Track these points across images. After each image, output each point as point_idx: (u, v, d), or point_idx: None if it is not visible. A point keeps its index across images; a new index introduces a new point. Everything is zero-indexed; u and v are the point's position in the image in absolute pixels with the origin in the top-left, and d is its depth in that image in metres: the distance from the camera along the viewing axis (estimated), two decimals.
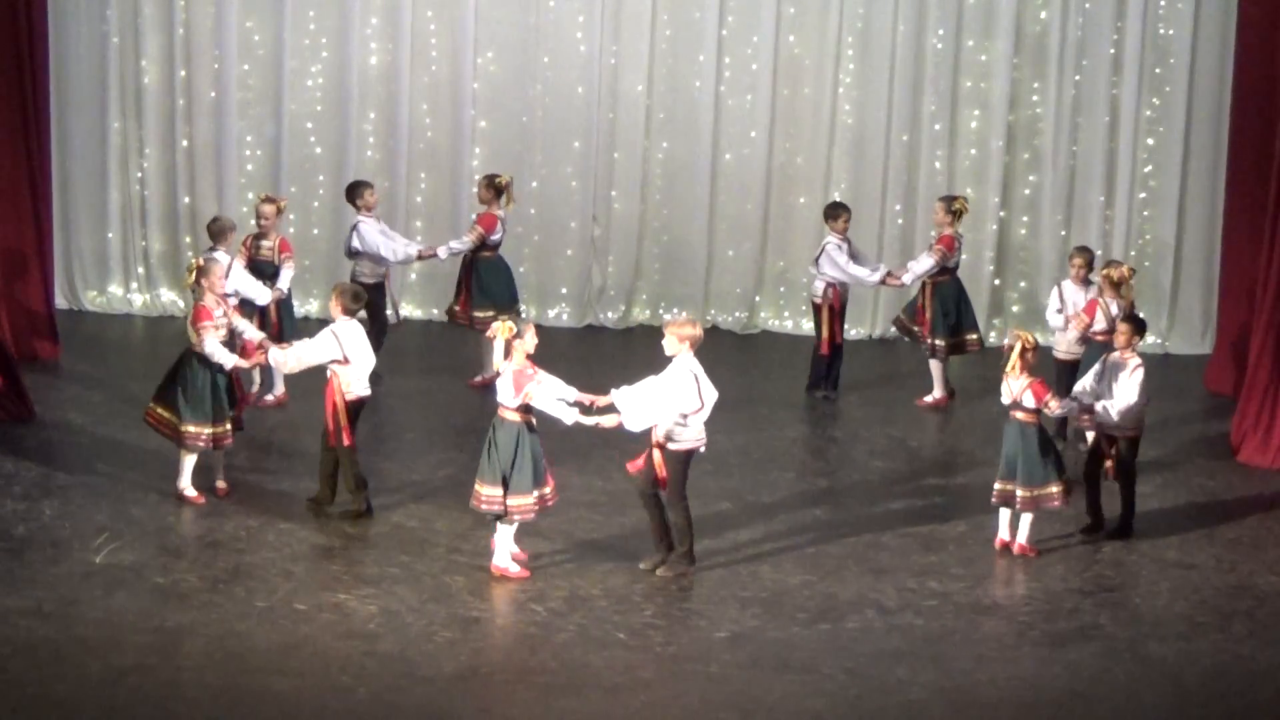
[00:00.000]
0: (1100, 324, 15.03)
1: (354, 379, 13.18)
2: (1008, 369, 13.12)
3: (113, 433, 14.99)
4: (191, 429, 13.28)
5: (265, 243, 16.03)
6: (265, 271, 15.76)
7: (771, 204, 19.90)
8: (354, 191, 16.92)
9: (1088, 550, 13.29)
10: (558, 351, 18.88)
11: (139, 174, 19.44)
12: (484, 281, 16.98)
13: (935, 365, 16.99)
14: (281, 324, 15.66)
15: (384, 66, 19.50)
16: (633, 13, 19.54)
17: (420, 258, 17.17)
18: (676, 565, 12.44)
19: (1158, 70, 19.54)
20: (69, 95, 19.04)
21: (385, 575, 12.23)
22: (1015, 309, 19.93)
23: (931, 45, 19.58)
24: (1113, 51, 19.51)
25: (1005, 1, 19.38)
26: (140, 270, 19.47)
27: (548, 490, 12.36)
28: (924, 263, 16.85)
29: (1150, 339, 19.70)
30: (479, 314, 16.94)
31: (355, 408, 13.26)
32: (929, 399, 17.01)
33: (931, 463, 15.40)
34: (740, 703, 10.62)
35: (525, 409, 12.26)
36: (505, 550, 12.30)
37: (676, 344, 12.31)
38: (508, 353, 12.23)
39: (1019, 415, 13.13)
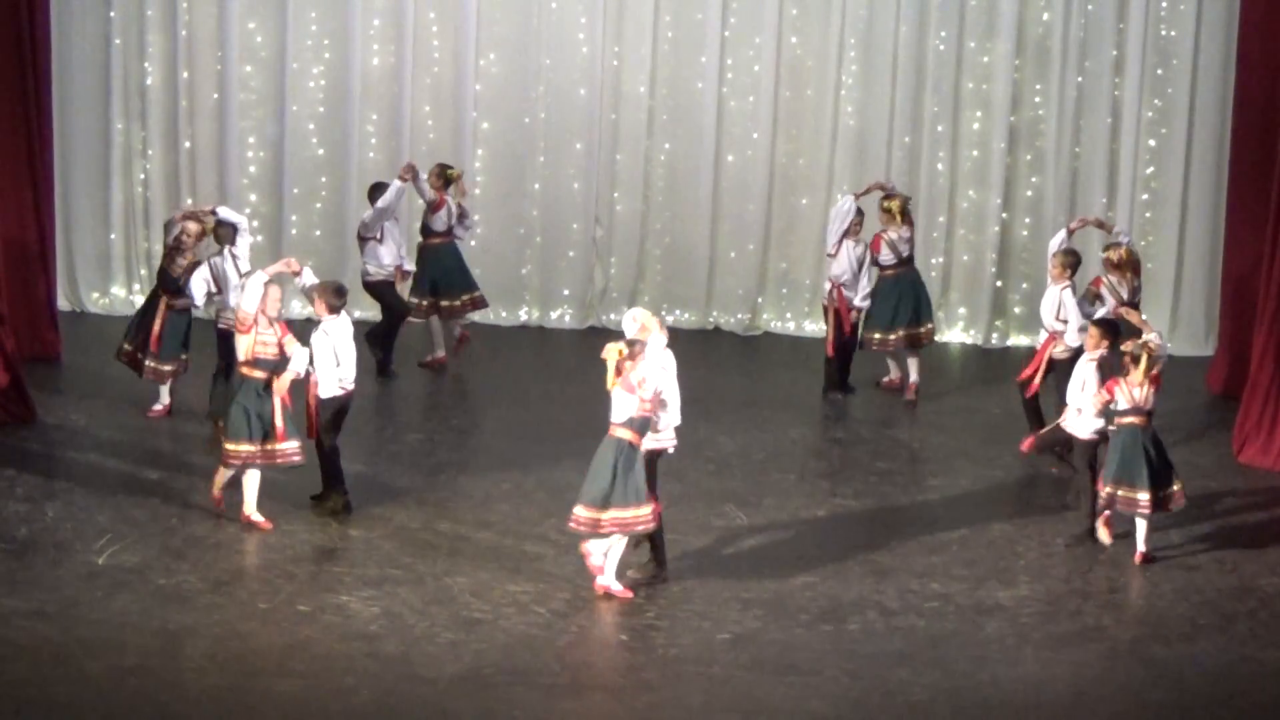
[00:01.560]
0: (1109, 302, 15.16)
1: (340, 377, 13.13)
2: (1134, 378, 12.97)
3: (115, 434, 14.98)
4: (233, 447, 12.96)
5: (181, 261, 15.40)
6: (171, 289, 15.38)
7: (774, 205, 19.89)
8: (375, 193, 17.07)
9: (1090, 551, 13.27)
10: (559, 353, 18.94)
11: (141, 175, 19.45)
12: (423, 268, 17.30)
13: (894, 358, 17.16)
14: (163, 335, 15.37)
15: (386, 68, 19.51)
16: (635, 14, 19.55)
17: (403, 178, 17.11)
18: (646, 567, 12.39)
19: (1160, 71, 19.53)
20: (71, 96, 19.04)
21: (387, 577, 12.21)
22: (1017, 310, 19.91)
23: (934, 46, 19.57)
24: (1115, 53, 19.51)
25: (1007, 3, 19.38)
26: (143, 271, 19.47)
27: (655, 506, 12.05)
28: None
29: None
30: (412, 298, 17.28)
31: (343, 404, 13.22)
32: (886, 379, 17.42)
33: (933, 464, 15.38)
34: (742, 704, 10.61)
35: (634, 427, 11.92)
36: (613, 569, 12.02)
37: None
38: (619, 371, 11.84)
39: (1133, 419, 13.01)
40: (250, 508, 13.04)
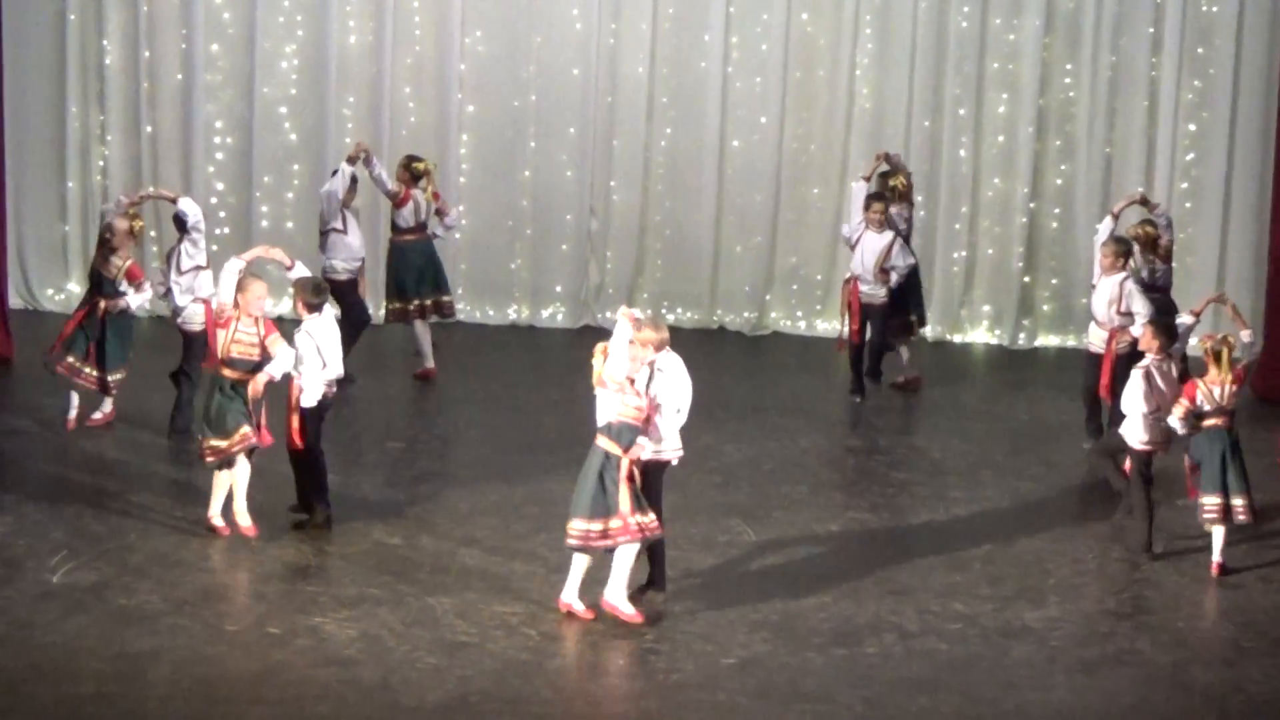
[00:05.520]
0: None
1: (326, 378, 13.15)
2: (1213, 375, 13.15)
3: (71, 442, 14.98)
4: (217, 443, 12.96)
5: (115, 261, 15.17)
6: (107, 291, 15.15)
7: (782, 195, 19.92)
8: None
9: (1124, 569, 13.29)
10: (551, 355, 18.94)
11: (100, 163, 19.48)
12: (392, 269, 17.25)
13: None
14: (103, 344, 15.15)
15: (364, 46, 19.54)
16: None
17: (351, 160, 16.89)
18: (646, 592, 12.36)
19: (1200, 50, 19.55)
20: (24, 78, 19.06)
21: (365, 597, 12.22)
22: (1046, 308, 19.96)
23: (956, 24, 19.60)
24: (1152, 30, 19.54)
25: None
26: None
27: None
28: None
29: (1191, 340, 19.73)
30: (388, 304, 17.33)
31: (322, 408, 13.22)
32: None
33: (955, 474, 15.39)
34: None
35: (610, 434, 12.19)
36: (575, 586, 12.14)
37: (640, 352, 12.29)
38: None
39: (1215, 421, 13.13)
40: (240, 510, 13.08)
